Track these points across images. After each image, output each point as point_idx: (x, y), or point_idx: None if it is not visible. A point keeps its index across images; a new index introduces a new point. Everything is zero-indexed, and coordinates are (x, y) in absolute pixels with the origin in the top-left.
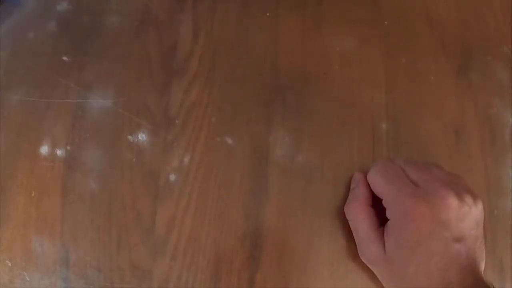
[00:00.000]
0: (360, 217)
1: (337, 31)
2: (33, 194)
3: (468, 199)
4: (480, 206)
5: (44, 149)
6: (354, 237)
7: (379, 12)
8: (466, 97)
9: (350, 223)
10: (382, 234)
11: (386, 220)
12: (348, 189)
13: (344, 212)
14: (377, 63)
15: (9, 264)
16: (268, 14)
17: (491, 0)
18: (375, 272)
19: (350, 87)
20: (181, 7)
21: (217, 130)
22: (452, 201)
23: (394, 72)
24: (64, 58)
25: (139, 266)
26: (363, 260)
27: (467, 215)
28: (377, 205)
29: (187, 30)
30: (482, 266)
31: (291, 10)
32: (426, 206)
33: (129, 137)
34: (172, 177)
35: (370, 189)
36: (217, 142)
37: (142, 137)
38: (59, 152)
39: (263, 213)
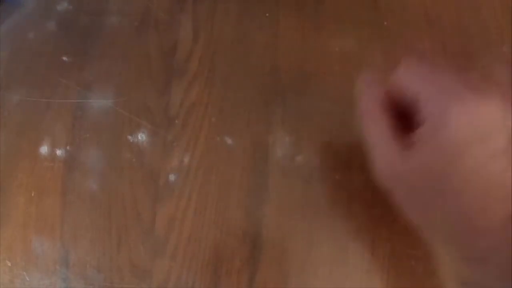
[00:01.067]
0: (379, 123)
1: (337, 31)
2: (33, 194)
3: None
4: None
5: (44, 149)
6: (373, 153)
7: (379, 12)
8: None
9: (364, 131)
10: (405, 144)
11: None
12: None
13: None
14: (377, 63)
15: (9, 264)
16: (268, 14)
17: (491, 0)
18: (396, 195)
19: (350, 87)
20: (181, 7)
21: (217, 130)
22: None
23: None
24: (64, 58)
25: (139, 266)
26: (381, 177)
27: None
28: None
29: (187, 30)
30: None
31: (291, 10)
32: (491, 103)
33: (129, 137)
34: (172, 177)
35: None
36: (217, 142)
37: (142, 137)
38: (59, 152)
39: (263, 213)
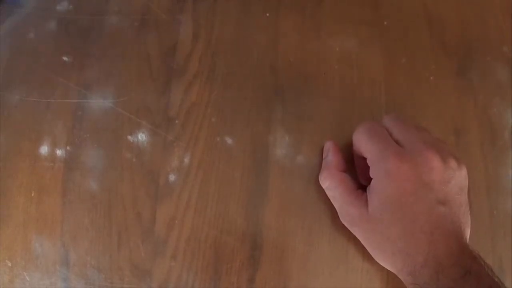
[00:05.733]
0: (334, 184)
1: (337, 31)
2: (33, 194)
3: (453, 163)
4: (464, 171)
5: (44, 149)
6: (334, 205)
7: (379, 12)
8: (466, 97)
9: (327, 192)
10: (361, 195)
11: (363, 185)
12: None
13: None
14: (377, 63)
15: (9, 264)
16: (268, 14)
17: (491, 0)
18: (357, 234)
19: (350, 87)
20: (181, 7)
21: (217, 130)
22: (437, 162)
23: (394, 72)
24: (64, 58)
25: (139, 266)
26: (345, 223)
27: (451, 179)
28: (354, 171)
29: (187, 30)
30: (467, 232)
31: (291, 10)
32: (410, 165)
33: (129, 137)
34: (172, 177)
35: (342, 156)
36: (217, 142)
37: (142, 137)
38: (59, 152)
39: (263, 213)
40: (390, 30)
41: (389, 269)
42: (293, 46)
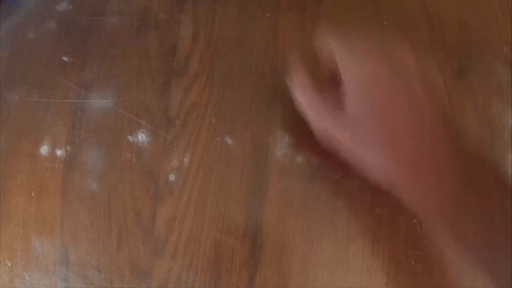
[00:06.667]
0: (308, 89)
1: (337, 31)
2: (33, 194)
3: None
4: None
5: (44, 149)
6: (306, 115)
7: (379, 12)
8: (466, 97)
9: (299, 99)
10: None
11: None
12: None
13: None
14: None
15: (9, 264)
16: (268, 14)
17: (491, 0)
18: (341, 142)
19: None
20: (181, 7)
21: (217, 130)
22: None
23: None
24: (64, 58)
25: (139, 266)
26: (320, 131)
27: None
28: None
29: (187, 30)
30: None
31: (291, 10)
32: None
33: (129, 137)
34: (172, 177)
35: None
36: (217, 142)
37: (142, 137)
38: (59, 152)
39: (263, 213)
40: (390, 30)
41: None
42: (293, 46)
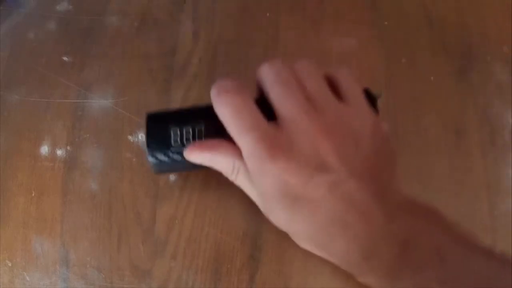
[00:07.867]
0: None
1: (337, 31)
2: (33, 194)
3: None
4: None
5: (44, 149)
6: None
7: (379, 12)
8: (466, 97)
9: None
10: None
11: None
12: None
13: None
14: (377, 63)
15: (9, 264)
16: (268, 14)
17: (491, 0)
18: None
19: None
20: (181, 7)
21: None
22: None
23: (394, 72)
24: (64, 58)
25: (139, 266)
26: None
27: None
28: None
29: (187, 30)
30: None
31: (291, 10)
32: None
33: (129, 137)
34: (172, 177)
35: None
36: None
37: (142, 137)
38: (59, 152)
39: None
40: (390, 30)
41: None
42: (293, 46)
